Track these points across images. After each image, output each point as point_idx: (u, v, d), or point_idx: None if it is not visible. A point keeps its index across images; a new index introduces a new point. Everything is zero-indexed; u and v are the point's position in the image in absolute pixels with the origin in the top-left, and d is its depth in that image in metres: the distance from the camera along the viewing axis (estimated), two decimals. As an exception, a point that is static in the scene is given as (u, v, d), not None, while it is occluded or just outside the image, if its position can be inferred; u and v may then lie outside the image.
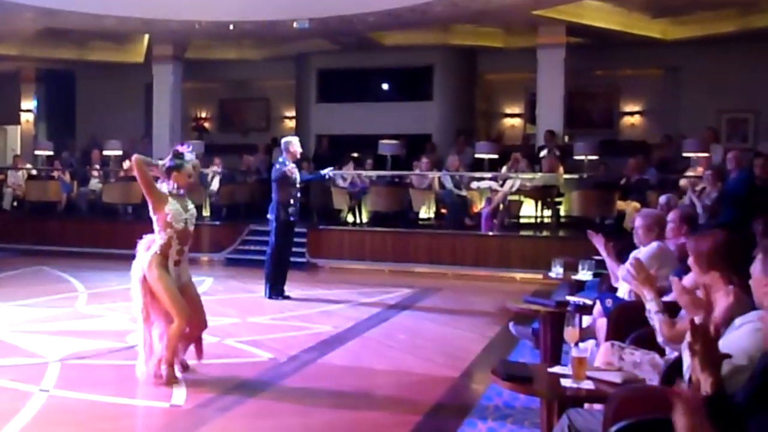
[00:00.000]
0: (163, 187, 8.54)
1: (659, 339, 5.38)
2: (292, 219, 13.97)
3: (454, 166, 19.86)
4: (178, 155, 8.61)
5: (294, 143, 14.13)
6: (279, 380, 8.85)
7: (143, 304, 8.31)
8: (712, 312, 4.72)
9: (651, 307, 5.49)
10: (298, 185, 14.02)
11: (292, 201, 13.86)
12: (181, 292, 8.37)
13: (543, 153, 20.08)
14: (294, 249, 14.55)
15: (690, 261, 5.50)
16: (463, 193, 19.46)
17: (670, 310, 5.63)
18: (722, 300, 4.91)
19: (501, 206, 18.46)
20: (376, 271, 18.28)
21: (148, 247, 8.40)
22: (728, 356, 3.59)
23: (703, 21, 20.91)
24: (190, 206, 8.68)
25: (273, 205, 13.96)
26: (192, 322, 8.47)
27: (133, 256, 8.50)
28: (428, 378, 9.10)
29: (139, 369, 8.44)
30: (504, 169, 19.65)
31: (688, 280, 6.18)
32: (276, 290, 14.04)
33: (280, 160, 14.14)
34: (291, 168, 13.90)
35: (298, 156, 14.30)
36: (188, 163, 8.62)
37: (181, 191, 8.58)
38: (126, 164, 22.33)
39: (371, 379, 9.30)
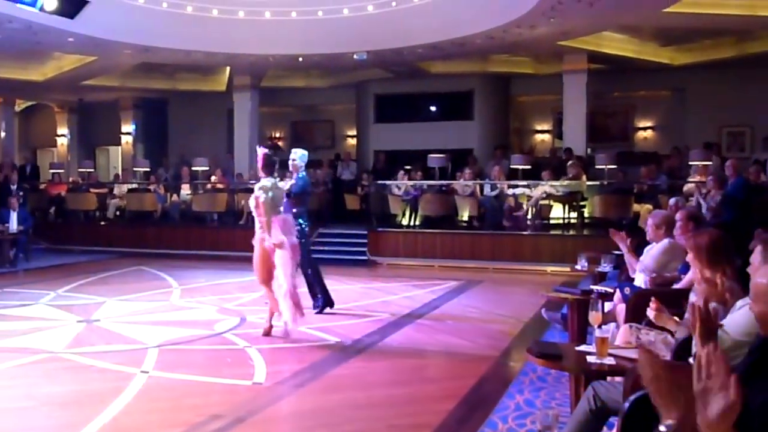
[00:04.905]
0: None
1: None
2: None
3: (495, 176, 19.84)
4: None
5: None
6: (345, 360, 8.91)
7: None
8: (728, 303, 4.72)
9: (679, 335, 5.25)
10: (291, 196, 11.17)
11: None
12: None
13: (569, 164, 20.08)
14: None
15: (689, 257, 5.50)
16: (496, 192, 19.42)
17: (677, 297, 5.63)
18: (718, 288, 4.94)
19: (533, 209, 18.47)
20: (426, 266, 18.22)
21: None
22: (721, 326, 3.59)
23: (705, 48, 20.85)
24: None
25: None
26: None
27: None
28: (473, 357, 9.13)
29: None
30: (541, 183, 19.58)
31: (689, 274, 6.19)
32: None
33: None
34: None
35: (290, 167, 12.14)
36: None
37: None
38: (213, 178, 22.53)
39: (424, 358, 9.38)
